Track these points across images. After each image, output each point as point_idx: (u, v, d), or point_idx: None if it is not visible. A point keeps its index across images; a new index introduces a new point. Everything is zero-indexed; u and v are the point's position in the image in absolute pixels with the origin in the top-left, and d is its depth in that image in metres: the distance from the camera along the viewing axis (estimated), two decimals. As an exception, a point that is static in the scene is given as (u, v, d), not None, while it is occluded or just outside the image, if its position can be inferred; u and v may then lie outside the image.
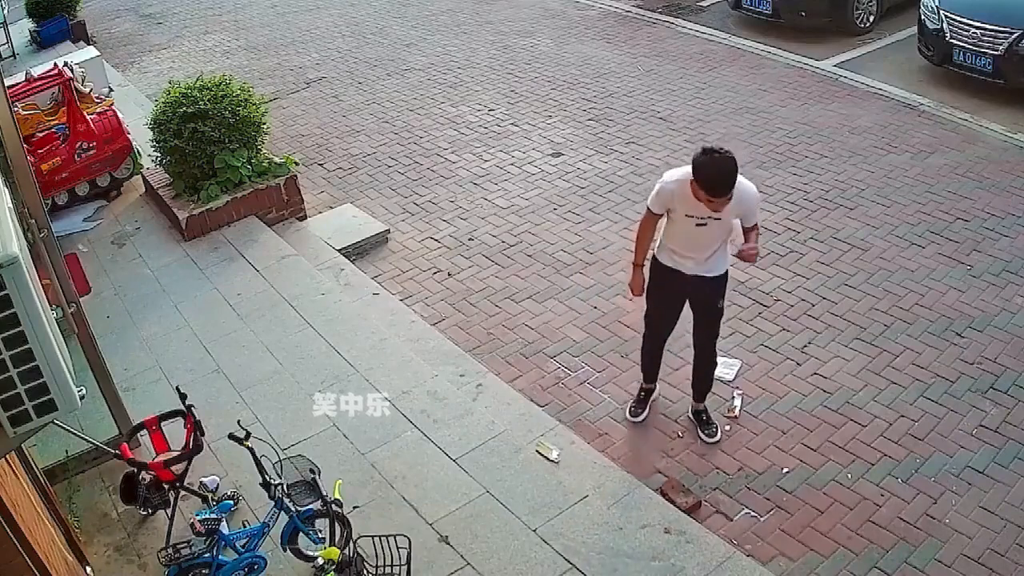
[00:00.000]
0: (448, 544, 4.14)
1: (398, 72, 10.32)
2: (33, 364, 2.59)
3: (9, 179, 4.04)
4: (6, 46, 12.28)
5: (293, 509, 3.80)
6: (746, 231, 4.48)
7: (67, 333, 3.96)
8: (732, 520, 4.44)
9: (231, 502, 4.32)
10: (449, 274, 6.54)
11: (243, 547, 3.87)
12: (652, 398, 5.16)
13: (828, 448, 4.78)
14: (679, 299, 4.77)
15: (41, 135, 7.48)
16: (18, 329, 2.54)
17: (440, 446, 4.68)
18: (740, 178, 4.17)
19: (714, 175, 4.09)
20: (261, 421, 4.87)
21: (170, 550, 3.67)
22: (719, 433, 4.92)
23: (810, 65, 9.42)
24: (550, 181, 7.61)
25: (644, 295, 4.84)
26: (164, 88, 7.39)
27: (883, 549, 4.21)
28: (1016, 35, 7.98)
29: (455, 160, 8.07)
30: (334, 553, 3.68)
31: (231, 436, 3.83)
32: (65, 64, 7.84)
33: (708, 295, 4.65)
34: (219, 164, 6.86)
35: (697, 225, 4.35)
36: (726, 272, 4.62)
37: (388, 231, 7.04)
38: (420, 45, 11.12)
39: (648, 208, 4.54)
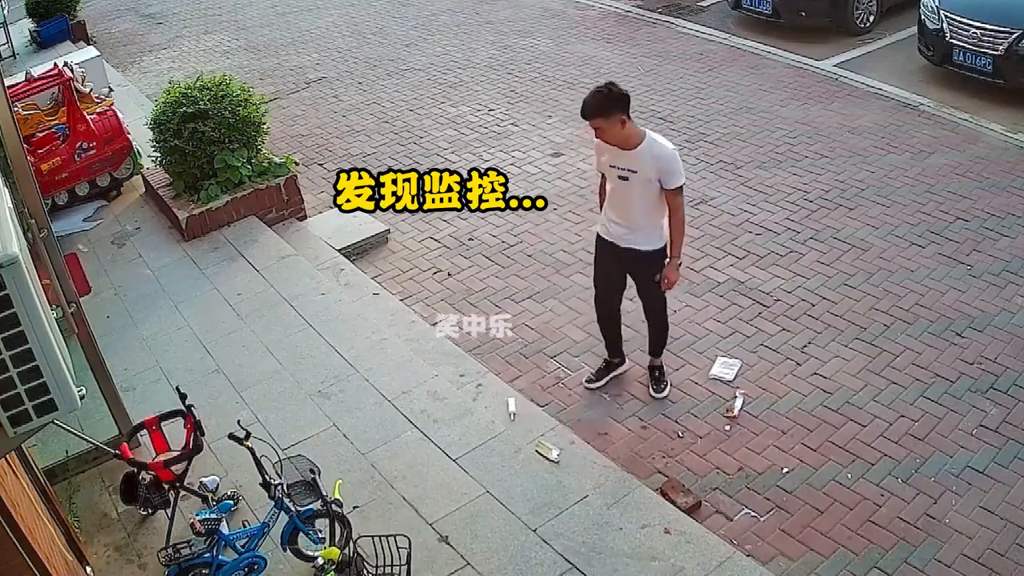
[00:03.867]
0: (448, 544, 4.14)
1: (398, 72, 10.32)
2: (33, 364, 2.59)
3: (9, 179, 4.04)
4: (6, 46, 12.28)
5: (293, 509, 3.80)
6: (667, 194, 4.62)
7: (67, 333, 3.96)
8: (732, 520, 4.43)
9: (231, 502, 4.31)
10: (449, 274, 6.54)
11: (243, 547, 3.87)
12: (615, 372, 5.28)
13: (828, 448, 4.78)
14: (616, 270, 4.98)
15: (41, 135, 7.47)
16: (18, 329, 2.55)
17: (440, 446, 4.68)
18: (656, 136, 4.57)
19: (585, 99, 4.51)
20: (261, 421, 4.87)
21: (170, 550, 3.68)
22: (667, 390, 5.15)
23: (810, 65, 9.41)
24: (550, 181, 7.61)
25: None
26: (164, 88, 7.39)
27: (883, 549, 4.21)
28: (1016, 35, 7.98)
29: (455, 160, 8.06)
30: (334, 553, 3.69)
31: (231, 436, 3.83)
32: (65, 64, 7.85)
33: (643, 269, 4.85)
34: (219, 164, 6.86)
35: (620, 178, 4.64)
36: (662, 249, 4.76)
37: (388, 231, 7.04)
38: (420, 45, 11.12)
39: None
